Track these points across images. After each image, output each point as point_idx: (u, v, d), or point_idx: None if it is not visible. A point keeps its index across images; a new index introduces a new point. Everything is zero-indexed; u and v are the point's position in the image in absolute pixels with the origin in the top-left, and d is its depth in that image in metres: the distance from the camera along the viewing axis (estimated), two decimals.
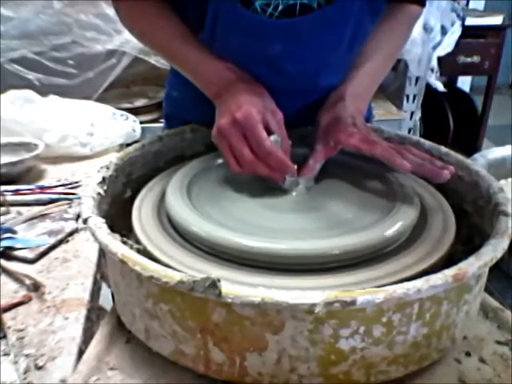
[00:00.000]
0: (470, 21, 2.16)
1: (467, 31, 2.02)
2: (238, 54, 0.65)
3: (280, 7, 0.63)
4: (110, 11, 1.53)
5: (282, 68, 0.66)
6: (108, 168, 0.61)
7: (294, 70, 0.67)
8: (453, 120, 2.54)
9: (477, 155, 1.09)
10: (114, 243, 0.46)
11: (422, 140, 0.69)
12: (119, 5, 0.70)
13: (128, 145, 1.19)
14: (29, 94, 1.23)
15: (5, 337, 0.58)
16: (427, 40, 1.82)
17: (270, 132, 0.58)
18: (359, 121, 0.62)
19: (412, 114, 1.97)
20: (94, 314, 0.65)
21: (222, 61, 0.65)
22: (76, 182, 0.99)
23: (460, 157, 0.64)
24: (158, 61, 1.58)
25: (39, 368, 0.54)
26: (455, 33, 1.91)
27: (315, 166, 0.62)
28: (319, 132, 0.63)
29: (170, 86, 0.86)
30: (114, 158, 0.63)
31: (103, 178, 0.58)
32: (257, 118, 0.56)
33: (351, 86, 0.67)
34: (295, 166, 0.58)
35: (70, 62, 1.59)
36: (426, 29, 1.81)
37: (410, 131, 1.97)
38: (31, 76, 1.54)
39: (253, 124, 0.56)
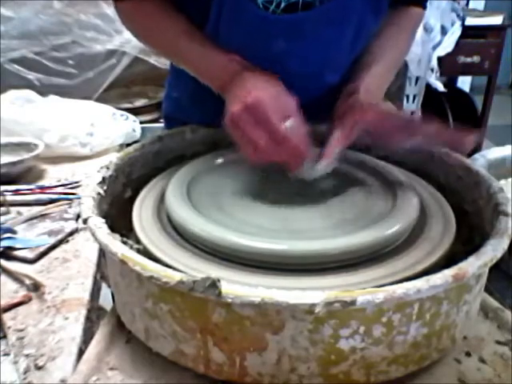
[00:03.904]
0: (470, 21, 2.16)
1: (467, 31, 2.03)
2: (241, 52, 0.64)
3: (282, 4, 0.63)
4: (110, 11, 1.53)
5: (285, 65, 0.65)
6: (108, 168, 0.61)
7: (297, 68, 0.67)
8: (453, 120, 2.53)
9: (477, 155, 1.08)
10: (114, 243, 0.46)
11: None
12: (120, 5, 0.69)
13: (128, 145, 1.19)
14: (29, 93, 1.23)
15: (5, 337, 0.58)
16: (427, 40, 1.83)
17: (284, 117, 0.54)
18: (376, 104, 0.60)
19: (412, 114, 1.98)
20: (94, 314, 0.65)
21: (226, 53, 0.63)
22: (76, 182, 0.99)
23: (460, 157, 0.64)
24: (157, 61, 1.58)
25: (39, 368, 0.54)
26: (455, 33, 1.92)
27: (333, 151, 0.58)
28: (335, 121, 0.61)
29: (170, 86, 0.86)
30: (114, 158, 0.63)
31: (103, 178, 0.58)
32: (268, 102, 0.54)
33: (364, 83, 0.65)
34: (314, 151, 0.56)
35: (70, 62, 1.59)
36: (426, 29, 1.81)
37: None
38: (31, 76, 1.53)
39: (265, 109, 0.53)
